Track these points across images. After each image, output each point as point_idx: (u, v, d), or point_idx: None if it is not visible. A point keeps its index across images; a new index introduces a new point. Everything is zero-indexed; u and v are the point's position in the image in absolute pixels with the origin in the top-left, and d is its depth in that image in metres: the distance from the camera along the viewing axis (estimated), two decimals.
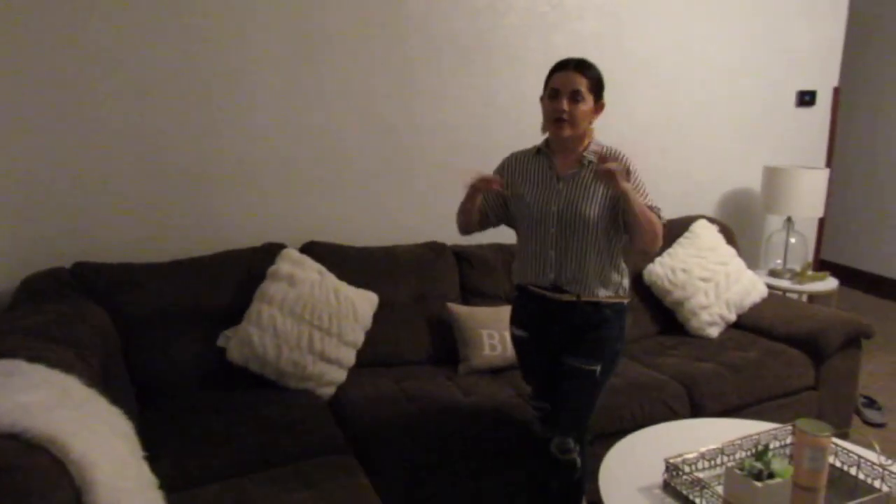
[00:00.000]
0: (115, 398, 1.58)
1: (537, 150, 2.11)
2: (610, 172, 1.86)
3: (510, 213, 2.16)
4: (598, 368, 2.02)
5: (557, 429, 2.05)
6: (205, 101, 2.67)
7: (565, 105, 1.93)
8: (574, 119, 1.95)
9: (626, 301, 2.09)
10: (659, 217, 1.99)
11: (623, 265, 2.09)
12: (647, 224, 1.93)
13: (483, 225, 2.20)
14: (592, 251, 2.00)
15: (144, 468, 1.47)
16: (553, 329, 2.08)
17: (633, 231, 1.97)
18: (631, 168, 1.99)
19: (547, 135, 2.06)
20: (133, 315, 2.36)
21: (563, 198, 2.00)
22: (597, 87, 1.99)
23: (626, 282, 2.09)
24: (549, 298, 2.05)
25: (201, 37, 2.61)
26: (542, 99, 2.04)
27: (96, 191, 2.56)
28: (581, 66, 1.96)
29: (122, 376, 2.16)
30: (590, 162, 2.01)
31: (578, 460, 2.06)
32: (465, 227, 2.19)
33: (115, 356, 2.14)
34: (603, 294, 2.02)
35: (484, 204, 2.14)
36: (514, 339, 2.22)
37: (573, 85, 1.94)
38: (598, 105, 2.01)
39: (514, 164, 2.14)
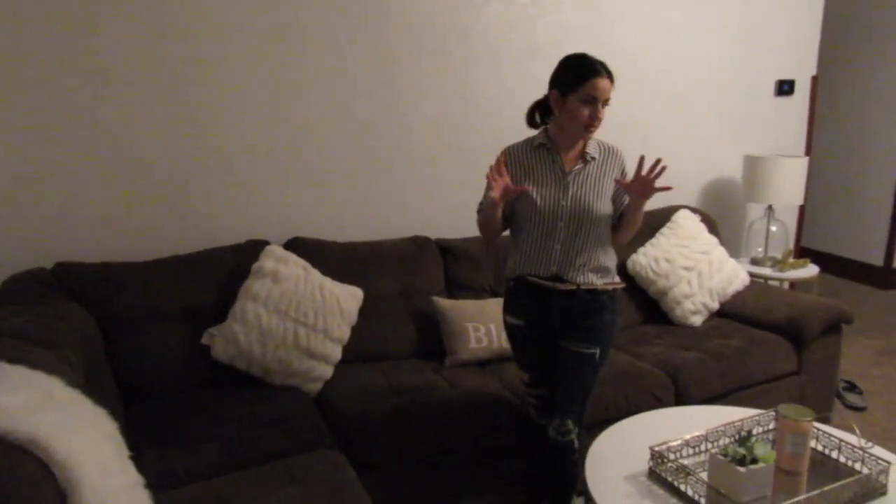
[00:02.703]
0: (99, 399, 1.56)
1: (538, 145, 2.08)
2: (648, 192, 1.93)
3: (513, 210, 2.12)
4: (598, 352, 2.08)
5: (557, 411, 2.08)
6: (186, 100, 2.64)
7: (601, 112, 1.99)
8: (601, 121, 2.01)
9: (619, 287, 2.15)
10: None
11: (614, 253, 2.15)
12: (636, 227, 2.08)
13: (503, 229, 2.18)
14: (595, 243, 2.06)
15: (130, 468, 1.46)
16: (551, 316, 2.09)
17: (622, 228, 2.09)
18: (626, 165, 2.12)
19: (542, 129, 2.10)
20: (116, 315, 2.34)
21: (571, 193, 2.03)
22: None
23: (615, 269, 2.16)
24: (548, 288, 2.06)
25: (181, 34, 2.59)
26: (560, 96, 1.99)
27: (77, 191, 2.53)
28: (608, 71, 1.97)
29: (106, 376, 2.13)
30: (592, 158, 2.07)
31: (576, 442, 2.09)
32: (492, 238, 2.19)
33: (99, 356, 2.12)
34: (600, 282, 2.08)
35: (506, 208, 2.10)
36: (510, 327, 2.19)
37: (608, 93, 1.98)
38: None
39: (514, 159, 2.10)
